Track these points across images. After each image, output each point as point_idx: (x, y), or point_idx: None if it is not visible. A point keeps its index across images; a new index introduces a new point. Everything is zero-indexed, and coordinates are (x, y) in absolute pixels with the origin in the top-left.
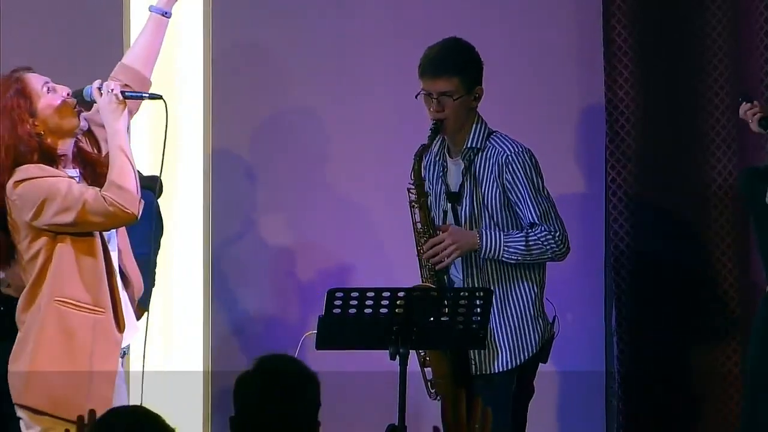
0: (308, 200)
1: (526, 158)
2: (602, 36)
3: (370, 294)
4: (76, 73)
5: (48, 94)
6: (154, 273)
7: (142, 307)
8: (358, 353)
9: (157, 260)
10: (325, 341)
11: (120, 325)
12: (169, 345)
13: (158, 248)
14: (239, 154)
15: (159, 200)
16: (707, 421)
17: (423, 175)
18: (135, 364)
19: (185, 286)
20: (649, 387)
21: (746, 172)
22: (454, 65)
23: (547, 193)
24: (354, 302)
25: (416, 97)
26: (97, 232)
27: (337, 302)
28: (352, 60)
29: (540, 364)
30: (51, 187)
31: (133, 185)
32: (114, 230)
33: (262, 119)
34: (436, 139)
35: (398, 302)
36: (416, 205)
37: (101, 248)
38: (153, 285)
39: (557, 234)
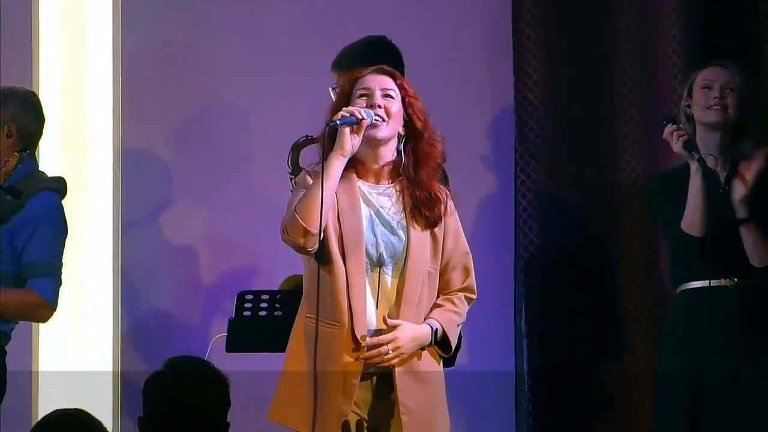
0: (219, 200)
1: None
2: (512, 38)
3: (280, 296)
4: None
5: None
6: (60, 274)
7: (50, 307)
8: (268, 356)
9: (66, 260)
10: (235, 344)
11: (356, 339)
12: (78, 345)
13: (63, 250)
14: (149, 153)
15: (68, 200)
16: (616, 423)
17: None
18: (44, 365)
19: (94, 286)
20: (559, 388)
21: (652, 180)
22: (356, 59)
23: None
24: (264, 305)
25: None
26: (335, 248)
27: (248, 305)
28: (264, 58)
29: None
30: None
31: (305, 215)
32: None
33: (173, 118)
34: None
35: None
36: None
37: (341, 264)
38: (60, 285)
39: None
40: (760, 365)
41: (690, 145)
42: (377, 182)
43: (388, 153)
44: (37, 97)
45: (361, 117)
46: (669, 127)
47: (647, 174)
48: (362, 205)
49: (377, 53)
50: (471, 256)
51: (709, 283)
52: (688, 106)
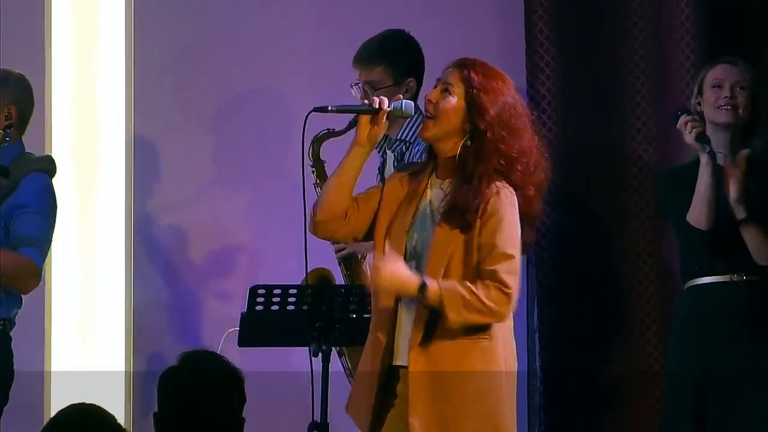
0: (229, 191)
1: None
2: (524, 32)
3: (293, 291)
4: None
5: None
6: (48, 250)
7: (38, 275)
8: (281, 350)
9: (79, 252)
10: (247, 338)
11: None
12: (89, 344)
13: (53, 229)
14: (161, 141)
15: (80, 192)
16: (628, 418)
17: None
18: (56, 364)
19: (106, 279)
20: (571, 384)
21: (663, 175)
22: (377, 53)
23: None
24: (276, 299)
25: (351, 87)
26: (381, 235)
27: (260, 299)
28: (278, 50)
29: None
30: None
31: (321, 197)
32: None
33: (185, 105)
34: None
35: (320, 299)
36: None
37: (380, 251)
38: (45, 259)
39: None
40: (766, 362)
41: (703, 137)
42: (440, 176)
43: (448, 147)
44: (29, 82)
45: (377, 107)
46: (683, 118)
47: (659, 169)
48: (423, 197)
49: (394, 47)
50: (513, 256)
51: (725, 278)
52: (699, 103)
